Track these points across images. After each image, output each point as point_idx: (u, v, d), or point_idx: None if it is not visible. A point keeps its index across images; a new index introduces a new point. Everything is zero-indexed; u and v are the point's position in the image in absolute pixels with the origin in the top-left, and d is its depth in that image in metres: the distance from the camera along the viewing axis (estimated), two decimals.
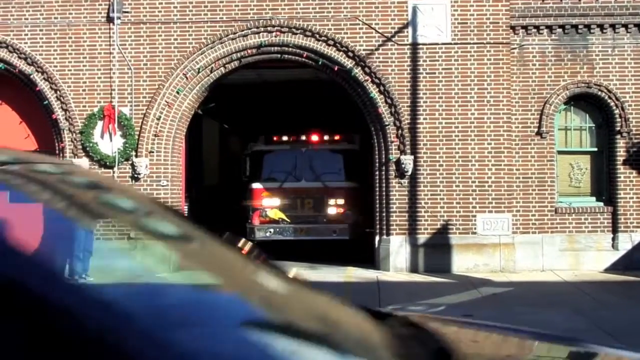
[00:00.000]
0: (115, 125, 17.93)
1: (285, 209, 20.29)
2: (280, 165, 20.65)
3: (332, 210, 20.41)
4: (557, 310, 13.12)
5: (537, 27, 18.15)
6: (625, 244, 18.02)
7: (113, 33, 17.97)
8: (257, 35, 17.92)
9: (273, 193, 20.41)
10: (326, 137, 21.17)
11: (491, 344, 3.84)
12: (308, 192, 20.42)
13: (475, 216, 17.75)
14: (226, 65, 18.25)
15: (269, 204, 20.32)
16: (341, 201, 20.38)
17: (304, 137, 21.08)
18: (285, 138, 21.18)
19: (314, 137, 21.15)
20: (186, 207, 19.69)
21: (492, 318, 12.57)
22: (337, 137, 21.23)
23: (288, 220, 20.14)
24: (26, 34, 18.16)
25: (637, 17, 18.06)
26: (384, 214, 17.99)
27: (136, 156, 18.05)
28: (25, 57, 18.10)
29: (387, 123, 17.79)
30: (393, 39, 17.77)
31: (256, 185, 20.65)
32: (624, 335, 11.17)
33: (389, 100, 17.76)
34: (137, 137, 18.03)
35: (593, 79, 18.13)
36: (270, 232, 19.95)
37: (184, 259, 3.39)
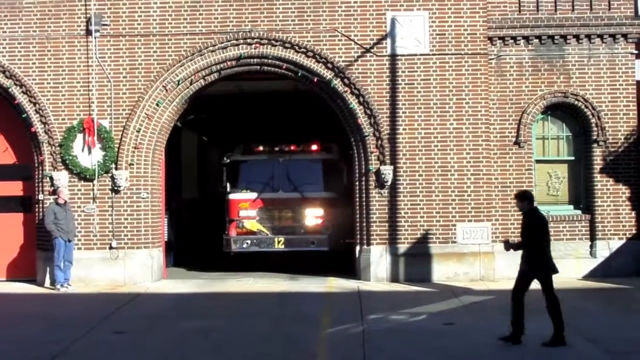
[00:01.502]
0: (95, 138, 17.92)
1: (262, 220, 19.91)
2: (257, 176, 20.27)
3: (310, 221, 19.96)
4: (536, 318, 12.92)
5: (514, 38, 18.31)
6: (603, 251, 18.18)
7: (92, 46, 17.99)
8: (236, 47, 17.98)
9: (250, 204, 19.94)
10: (304, 147, 20.79)
11: None
12: (286, 203, 20.06)
13: (455, 225, 17.82)
14: (206, 77, 18.28)
15: (246, 215, 19.90)
16: (320, 212, 19.95)
17: (281, 147, 20.70)
18: (262, 148, 20.82)
19: (292, 147, 20.76)
20: (166, 219, 19.69)
21: (473, 326, 12.87)
22: (315, 147, 20.86)
23: (266, 232, 19.75)
24: (4, 47, 18.14)
25: (612, 28, 18.28)
26: (364, 224, 18.04)
27: (116, 169, 18.01)
28: (4, 70, 18.08)
29: (366, 134, 17.87)
30: (372, 50, 17.87)
31: (233, 196, 20.25)
32: (601, 341, 11.53)
33: (368, 111, 17.86)
34: (116, 149, 17.99)
35: (570, 89, 18.32)
36: (247, 243, 19.55)
37: None
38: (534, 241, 11.81)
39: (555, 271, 11.98)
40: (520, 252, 12.31)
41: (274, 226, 19.91)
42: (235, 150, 21.25)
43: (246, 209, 19.91)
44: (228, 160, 20.85)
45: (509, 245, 12.60)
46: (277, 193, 19.99)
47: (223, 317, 14.10)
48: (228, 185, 20.58)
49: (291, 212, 20.06)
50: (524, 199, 12.09)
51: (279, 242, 19.40)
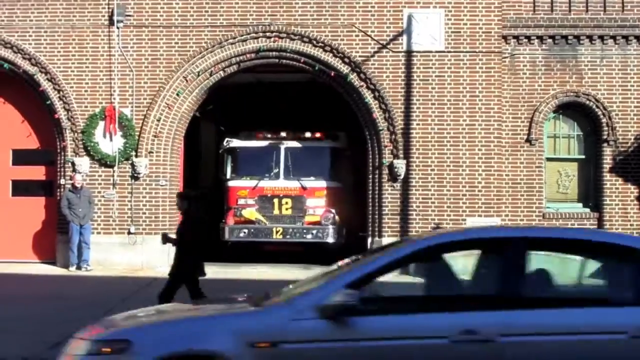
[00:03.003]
0: (116, 125, 18.08)
1: (262, 209, 18.96)
2: (257, 163, 19.39)
3: (311, 212, 19.02)
4: None
5: (528, 37, 18.36)
6: None
7: (115, 36, 18.14)
8: (255, 40, 18.09)
9: (249, 192, 19.11)
10: (308, 134, 19.73)
11: None
12: (286, 192, 19.11)
13: (465, 220, 17.85)
14: (225, 69, 18.39)
15: (245, 203, 19.03)
16: (321, 202, 19.07)
17: (284, 134, 19.67)
18: (264, 134, 19.80)
19: (295, 134, 19.74)
20: None
21: None
22: (319, 134, 19.85)
23: (264, 221, 18.77)
24: (30, 35, 18.32)
25: (625, 29, 18.28)
26: (377, 217, 18.10)
27: (136, 156, 18.19)
28: (30, 58, 18.25)
29: (381, 128, 17.94)
30: (388, 46, 17.93)
31: (232, 184, 19.47)
32: None
33: (383, 106, 17.93)
34: (137, 137, 18.17)
35: (581, 89, 18.33)
36: (244, 232, 18.64)
37: None
38: (187, 240, 11.72)
39: (203, 274, 11.84)
40: None
41: (273, 215, 18.98)
42: (237, 136, 20.29)
43: (245, 197, 19.14)
44: (228, 146, 19.95)
45: (165, 239, 12.30)
46: (277, 181, 19.17)
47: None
48: (228, 172, 19.84)
49: (292, 202, 19.07)
50: (184, 199, 12.21)
51: (277, 232, 18.55)
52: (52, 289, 15.65)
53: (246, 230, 18.63)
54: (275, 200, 18.98)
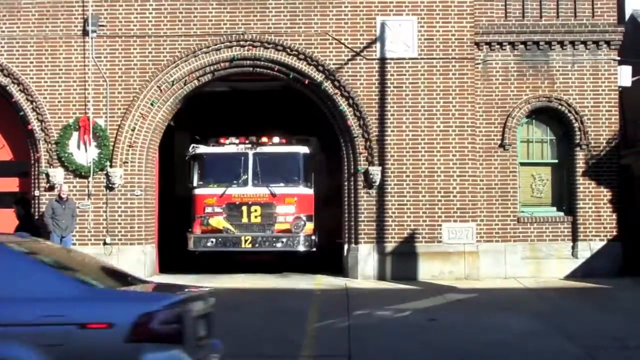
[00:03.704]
0: (90, 136, 18.09)
1: (230, 217, 18.38)
2: (225, 169, 18.84)
3: (281, 219, 18.46)
4: (519, 315, 13.50)
5: (500, 44, 18.58)
6: (585, 252, 18.45)
7: (89, 46, 18.18)
8: (229, 49, 18.21)
9: (217, 199, 18.54)
10: (277, 139, 19.15)
11: None
12: (255, 199, 18.54)
13: (440, 225, 18.03)
14: (199, 78, 18.48)
15: (212, 212, 18.48)
16: (291, 209, 18.54)
17: (252, 139, 19.06)
18: (232, 140, 19.16)
19: (264, 139, 19.08)
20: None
21: (456, 322, 13.06)
22: (289, 139, 19.32)
23: (233, 230, 18.23)
24: (2, 46, 18.31)
25: (596, 35, 18.54)
26: (352, 223, 18.23)
27: (111, 166, 18.20)
28: (1, 69, 18.25)
29: (355, 135, 18.08)
30: (362, 54, 18.09)
31: (198, 191, 18.86)
32: (580, 337, 11.73)
33: (357, 113, 18.07)
34: (111, 147, 18.19)
35: (554, 94, 18.57)
36: (211, 242, 18.09)
37: None
38: None
39: None
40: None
41: (242, 224, 18.40)
42: (203, 142, 19.76)
43: (212, 205, 18.57)
44: (194, 152, 19.25)
45: None
46: (246, 188, 18.62)
47: (216, 311, 14.32)
48: (195, 179, 19.14)
49: (261, 209, 18.50)
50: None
51: (246, 241, 18.04)
52: None
53: (214, 240, 18.14)
54: (244, 208, 18.47)
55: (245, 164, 18.73)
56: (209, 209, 18.50)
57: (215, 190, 18.67)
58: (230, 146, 19.01)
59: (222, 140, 19.20)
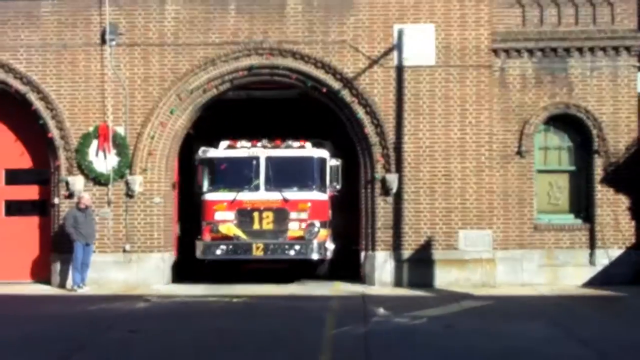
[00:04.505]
0: (110, 144, 18.34)
1: (241, 224, 17.91)
2: (236, 174, 18.33)
3: (294, 226, 17.97)
4: (535, 322, 13.58)
5: (518, 51, 18.71)
6: (602, 259, 18.56)
7: (108, 54, 18.44)
8: (248, 58, 18.46)
9: (227, 205, 18.02)
10: (290, 143, 18.73)
11: None
12: (267, 205, 18.02)
13: (457, 232, 18.19)
14: (218, 87, 18.75)
15: (222, 218, 17.97)
16: (305, 215, 18.00)
17: (265, 143, 18.64)
18: (243, 143, 18.70)
19: (276, 143, 18.70)
20: (178, 224, 19.82)
21: (472, 329, 13.12)
22: (302, 143, 18.80)
23: (244, 237, 17.74)
24: (21, 55, 18.62)
25: (615, 41, 18.63)
26: (370, 230, 18.42)
27: (130, 174, 18.45)
28: (21, 77, 18.56)
29: (373, 143, 18.31)
30: (379, 62, 18.29)
31: (208, 197, 18.31)
32: (596, 344, 11.76)
33: (374, 121, 18.29)
34: (131, 155, 18.44)
35: (572, 100, 18.68)
36: (221, 250, 17.67)
37: None
38: None
39: None
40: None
41: (253, 230, 17.91)
42: (214, 146, 19.10)
43: (222, 211, 18.03)
44: (204, 157, 18.73)
45: None
46: (257, 193, 18.12)
47: (235, 317, 14.36)
48: (205, 184, 18.58)
49: (273, 215, 17.97)
50: None
51: (257, 248, 17.59)
52: (53, 308, 15.78)
53: (224, 247, 17.68)
54: (255, 214, 17.97)
55: (257, 168, 18.32)
56: (219, 215, 18.04)
57: (225, 195, 18.15)
58: (242, 150, 18.61)
59: (233, 144, 18.83)
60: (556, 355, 11.08)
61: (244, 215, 17.97)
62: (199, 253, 17.85)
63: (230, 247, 17.61)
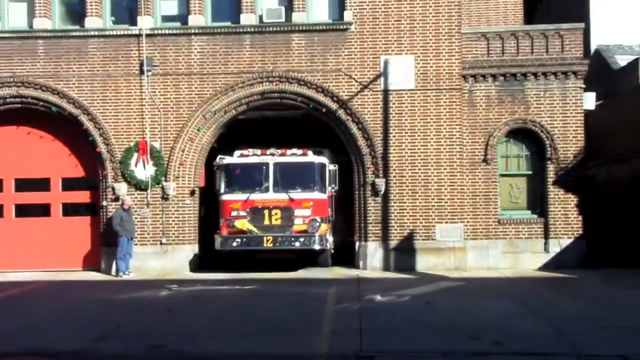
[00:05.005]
0: (148, 156, 18.47)
1: (253, 220, 17.58)
2: (248, 178, 17.95)
3: (298, 221, 17.60)
4: (499, 300, 13.64)
5: (483, 76, 18.78)
6: (555, 247, 18.58)
7: (145, 82, 18.57)
8: (260, 84, 18.55)
9: (241, 204, 17.68)
10: (294, 150, 18.35)
11: None
12: (276, 203, 17.66)
13: (434, 226, 18.24)
14: (236, 108, 18.81)
15: (237, 215, 17.61)
16: (307, 212, 17.62)
17: (273, 151, 18.30)
18: (254, 151, 18.37)
19: (282, 151, 18.31)
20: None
21: (448, 305, 13.13)
22: (305, 151, 18.39)
23: (256, 231, 17.42)
24: (73, 83, 18.74)
25: (564, 67, 18.66)
26: (362, 225, 18.46)
27: (165, 181, 18.59)
28: (73, 102, 18.67)
29: (364, 153, 18.39)
30: (369, 87, 18.37)
31: (225, 197, 17.90)
32: (549, 316, 11.82)
33: (365, 135, 18.38)
34: (166, 165, 18.56)
35: (528, 117, 18.70)
36: (237, 242, 17.35)
37: None
38: None
39: None
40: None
41: (264, 225, 17.53)
42: (226, 153, 18.76)
43: (237, 209, 17.66)
44: (221, 163, 18.33)
45: None
46: (267, 194, 17.75)
47: (253, 297, 14.44)
48: (222, 187, 18.13)
49: (280, 212, 17.61)
50: None
51: (267, 240, 17.25)
52: (104, 290, 15.85)
53: (239, 240, 17.36)
54: (266, 212, 17.63)
55: (267, 173, 17.91)
56: (234, 213, 17.67)
57: (239, 196, 17.81)
58: (253, 157, 18.22)
59: (245, 152, 18.46)
60: (519, 328, 11.06)
61: (256, 213, 17.71)
62: (217, 245, 17.57)
63: (245, 239, 17.37)
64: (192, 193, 18.97)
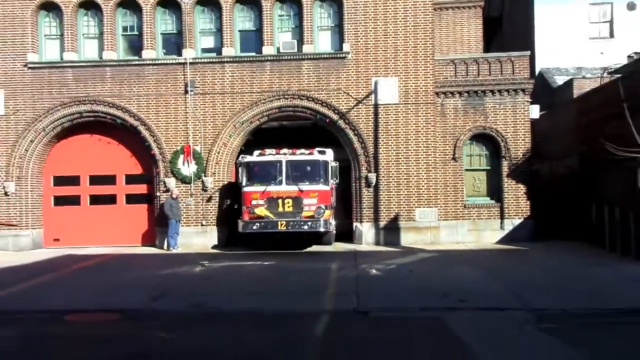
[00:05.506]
0: (191, 157, 18.44)
1: (269, 208, 16.96)
2: (265, 173, 17.29)
3: (307, 208, 16.94)
4: (466, 266, 13.67)
5: (452, 93, 18.70)
6: (509, 226, 18.49)
7: (189, 100, 18.55)
8: (278, 100, 18.48)
9: (260, 195, 17.05)
10: (303, 150, 17.68)
11: None
12: (288, 194, 17.02)
13: (414, 210, 18.18)
14: (260, 119, 18.74)
15: (256, 204, 17.04)
16: (314, 201, 16.94)
17: (285, 151, 17.64)
18: (270, 151, 17.69)
19: (293, 151, 17.66)
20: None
21: (427, 271, 13.07)
22: (311, 151, 17.71)
23: (272, 217, 16.85)
24: (134, 101, 18.74)
25: (515, 85, 18.55)
26: (358, 210, 18.40)
27: (205, 176, 18.54)
28: (133, 115, 18.68)
29: (359, 153, 18.35)
30: (362, 102, 18.28)
31: (246, 189, 17.22)
32: (504, 279, 11.80)
33: (360, 140, 18.32)
34: (205, 164, 18.52)
35: (487, 124, 18.64)
36: (257, 225, 16.80)
37: None
38: None
39: None
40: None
41: (278, 212, 16.95)
42: (249, 154, 18.09)
43: (256, 199, 17.07)
44: (243, 161, 17.70)
45: None
46: (281, 186, 17.11)
47: (272, 269, 14.35)
48: (243, 180, 17.46)
49: (292, 201, 17.02)
50: None
51: (281, 224, 16.73)
52: (159, 259, 15.99)
53: (258, 224, 16.85)
54: (280, 201, 17.04)
55: (280, 169, 17.26)
56: (254, 202, 17.10)
57: (258, 188, 17.14)
58: (269, 156, 17.58)
59: (262, 152, 17.84)
60: (480, 289, 11.06)
61: (272, 202, 17.10)
62: (240, 228, 17.05)
63: (263, 223, 16.85)
64: (223, 187, 18.79)
